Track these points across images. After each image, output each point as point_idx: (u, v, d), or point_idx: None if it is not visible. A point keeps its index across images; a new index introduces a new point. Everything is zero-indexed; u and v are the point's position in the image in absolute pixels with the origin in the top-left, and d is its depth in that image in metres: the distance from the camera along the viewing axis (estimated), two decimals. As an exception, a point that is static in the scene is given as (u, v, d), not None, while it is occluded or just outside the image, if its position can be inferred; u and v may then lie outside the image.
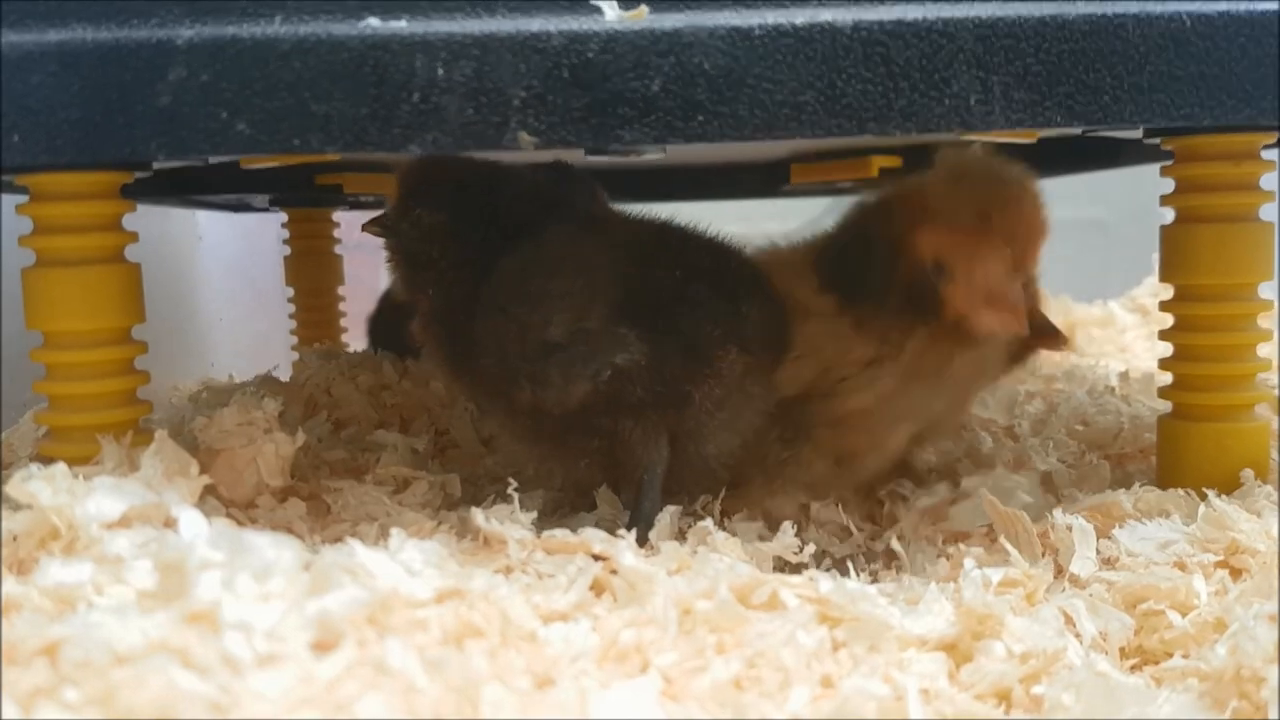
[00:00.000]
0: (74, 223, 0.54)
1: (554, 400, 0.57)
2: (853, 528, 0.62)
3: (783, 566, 0.53)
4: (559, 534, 0.50)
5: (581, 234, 0.61)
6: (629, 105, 0.48)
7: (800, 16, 0.48)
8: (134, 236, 0.57)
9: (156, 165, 0.58)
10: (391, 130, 0.47)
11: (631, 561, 0.48)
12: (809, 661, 0.42)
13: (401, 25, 0.47)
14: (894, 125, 0.50)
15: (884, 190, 0.61)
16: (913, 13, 0.49)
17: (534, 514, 0.52)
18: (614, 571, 0.48)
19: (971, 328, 0.57)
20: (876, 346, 0.59)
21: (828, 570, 0.52)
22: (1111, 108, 0.51)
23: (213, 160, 0.58)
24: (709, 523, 0.54)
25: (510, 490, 0.53)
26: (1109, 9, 0.50)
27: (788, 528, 0.53)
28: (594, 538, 0.50)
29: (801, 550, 0.52)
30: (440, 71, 0.47)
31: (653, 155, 0.69)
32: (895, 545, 0.57)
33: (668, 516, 0.55)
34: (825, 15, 0.49)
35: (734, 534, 0.53)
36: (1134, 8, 0.50)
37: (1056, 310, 1.24)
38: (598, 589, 0.47)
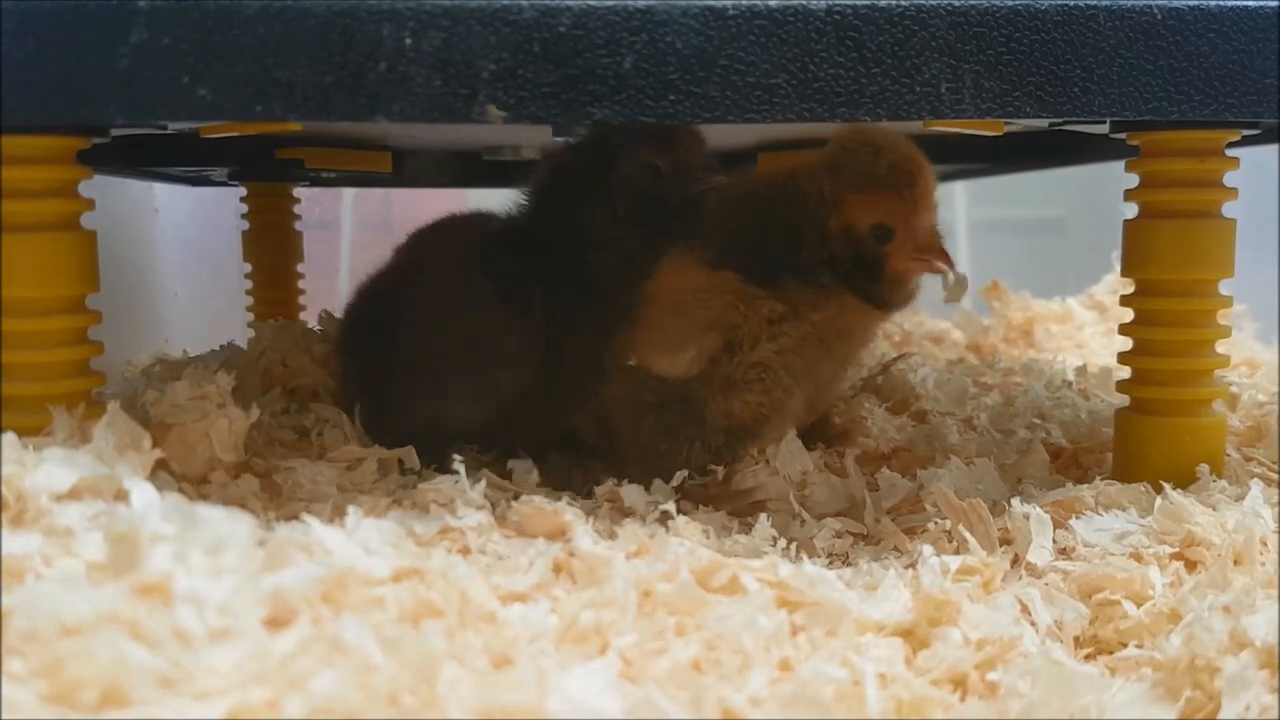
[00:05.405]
0: (29, 187, 0.53)
1: None
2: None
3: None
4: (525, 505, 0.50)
5: None
6: (600, 82, 0.47)
7: (774, -2, 0.48)
8: (90, 204, 0.55)
9: (114, 132, 0.57)
10: (357, 99, 0.47)
11: (590, 545, 0.47)
12: (768, 645, 0.42)
13: (369, -7, 0.46)
14: (864, 111, 0.49)
15: (783, 172, 0.64)
16: (886, -2, 0.49)
17: (482, 484, 0.52)
18: (572, 554, 0.47)
19: (902, 286, 0.62)
20: (786, 307, 0.61)
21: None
22: (1080, 99, 0.51)
23: (172, 128, 0.57)
24: (671, 506, 0.54)
25: (456, 464, 0.53)
26: (1081, 0, 0.50)
27: (764, 519, 0.53)
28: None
29: (775, 543, 0.52)
30: (408, 41, 0.46)
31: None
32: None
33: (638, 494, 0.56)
34: (799, -3, 0.48)
35: (698, 520, 0.53)
36: (1105, 0, 0.51)
37: (1016, 306, 1.25)
38: (558, 570, 0.47)
